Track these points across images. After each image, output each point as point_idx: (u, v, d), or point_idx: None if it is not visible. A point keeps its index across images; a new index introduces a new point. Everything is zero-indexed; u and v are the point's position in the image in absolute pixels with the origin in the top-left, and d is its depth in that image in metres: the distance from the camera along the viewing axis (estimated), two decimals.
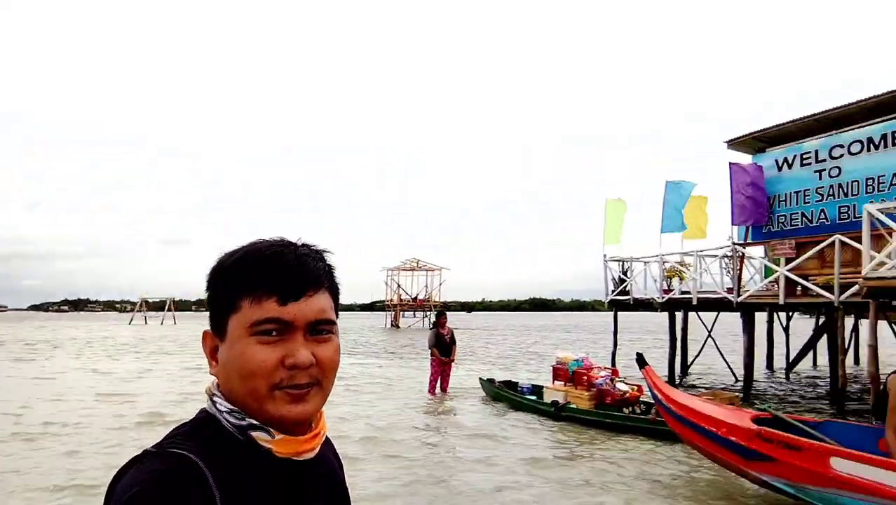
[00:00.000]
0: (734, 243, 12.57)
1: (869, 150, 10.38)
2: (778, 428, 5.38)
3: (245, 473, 0.82)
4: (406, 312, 52.61)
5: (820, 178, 11.12)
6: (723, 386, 12.89)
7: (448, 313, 12.55)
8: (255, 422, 0.85)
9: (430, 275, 49.85)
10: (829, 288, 10.09)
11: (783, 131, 15.97)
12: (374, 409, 10.14)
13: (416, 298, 50.03)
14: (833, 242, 10.09)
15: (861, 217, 10.06)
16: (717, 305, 12.94)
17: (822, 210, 11.00)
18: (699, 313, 14.05)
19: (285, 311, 0.85)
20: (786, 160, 11.82)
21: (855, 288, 9.17)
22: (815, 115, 15.17)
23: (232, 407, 0.86)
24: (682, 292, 13.79)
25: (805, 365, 16.56)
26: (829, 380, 13.15)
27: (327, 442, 0.99)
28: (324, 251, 0.94)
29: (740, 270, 12.26)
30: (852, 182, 10.57)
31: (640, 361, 6.97)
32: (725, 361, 14.68)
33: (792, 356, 15.38)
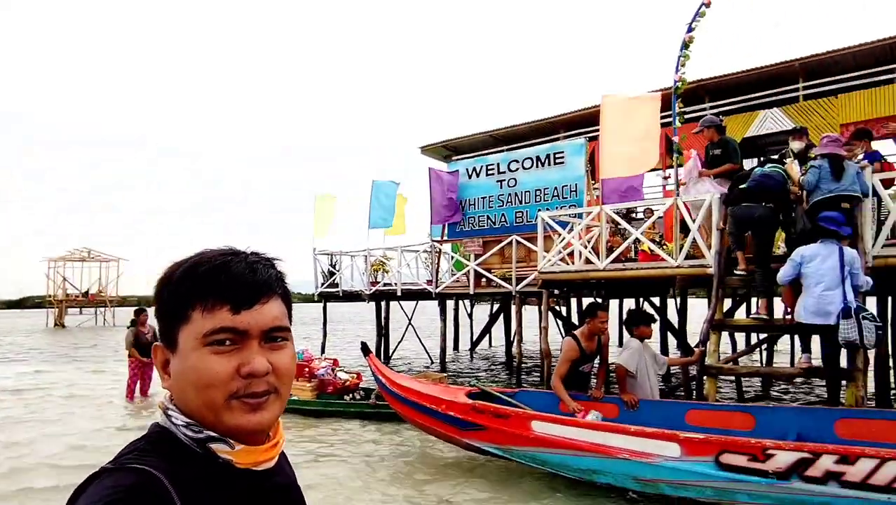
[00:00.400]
0: (433, 240, 14.05)
1: (537, 167, 12.60)
2: (485, 400, 6.36)
3: (206, 487, 0.82)
4: (73, 309, 45.67)
5: (501, 187, 13.11)
6: (425, 367, 14.34)
7: (131, 309, 11.50)
8: (213, 434, 0.84)
9: (105, 266, 44.09)
10: (507, 280, 12.00)
11: (465, 142, 18.44)
12: (64, 427, 8.79)
13: (86, 292, 43.74)
14: (511, 242, 12.03)
15: (532, 221, 12.23)
16: (418, 295, 14.32)
17: (503, 214, 13.02)
18: (401, 302, 15.36)
19: (239, 319, 0.84)
20: (475, 169, 13.62)
21: (530, 279, 11.10)
22: (490, 131, 17.91)
23: (188, 420, 0.84)
24: (385, 284, 14.90)
25: (483, 345, 19.26)
26: (504, 357, 15.61)
27: (282, 452, 0.97)
28: (274, 259, 0.93)
29: (437, 263, 13.76)
30: (525, 192, 12.73)
31: (365, 349, 7.46)
32: (423, 344, 16.30)
33: (475, 338, 17.80)
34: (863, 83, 12.76)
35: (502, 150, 17.46)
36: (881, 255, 6.46)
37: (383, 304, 15.35)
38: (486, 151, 17.76)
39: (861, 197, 6.20)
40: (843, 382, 5.84)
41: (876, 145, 8.11)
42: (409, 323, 16.05)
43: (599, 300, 10.19)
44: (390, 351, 15.79)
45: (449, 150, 19.48)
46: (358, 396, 9.13)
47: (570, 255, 9.63)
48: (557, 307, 15.26)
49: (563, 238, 9.48)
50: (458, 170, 13.96)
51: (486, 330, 18.17)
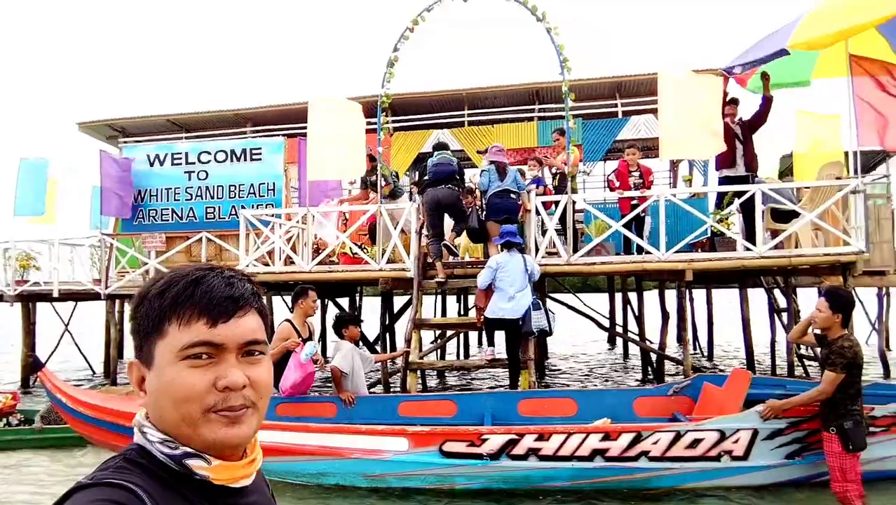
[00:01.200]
0: (102, 233, 12.31)
1: (232, 161, 11.99)
2: None
3: (183, 503, 0.82)
4: None
5: (190, 179, 12.10)
6: (88, 379, 12.39)
7: None
8: (189, 450, 0.84)
9: None
10: None
11: (136, 124, 16.73)
12: None
13: None
14: (201, 238, 11.27)
15: (225, 217, 11.69)
16: (82, 296, 12.39)
17: (192, 208, 12.02)
18: (55, 305, 13.07)
19: (215, 333, 0.84)
20: (157, 157, 12.30)
21: None
22: (167, 115, 16.56)
23: (164, 436, 0.84)
24: (35, 283, 12.50)
25: None
26: None
27: (260, 472, 0.97)
28: (249, 275, 0.95)
29: (109, 260, 12.08)
30: (218, 186, 11.98)
31: (37, 363, 6.29)
32: (82, 353, 14.17)
33: None
34: (512, 117, 15.36)
35: (182, 138, 16.14)
36: (542, 263, 7.92)
37: (31, 306, 12.83)
38: (161, 137, 16.25)
39: (519, 191, 7.64)
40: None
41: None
42: (66, 329, 13.69)
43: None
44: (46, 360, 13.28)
45: (116, 131, 17.33)
46: (15, 421, 7.52)
47: (270, 254, 9.50)
48: None
49: (268, 238, 9.29)
50: (136, 156, 12.44)
51: None
